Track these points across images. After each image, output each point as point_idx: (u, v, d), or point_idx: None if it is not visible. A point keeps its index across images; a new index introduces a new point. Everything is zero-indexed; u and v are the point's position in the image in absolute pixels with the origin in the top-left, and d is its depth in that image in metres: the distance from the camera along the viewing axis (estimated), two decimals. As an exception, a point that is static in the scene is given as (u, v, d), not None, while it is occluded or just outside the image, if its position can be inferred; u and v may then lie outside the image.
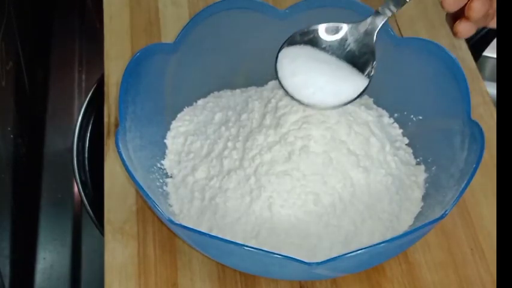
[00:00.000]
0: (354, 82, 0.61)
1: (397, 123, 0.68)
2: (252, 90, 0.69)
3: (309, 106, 0.60)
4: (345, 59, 0.61)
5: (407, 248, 0.60)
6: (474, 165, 0.56)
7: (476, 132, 0.58)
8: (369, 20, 0.61)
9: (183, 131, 0.67)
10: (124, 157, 0.57)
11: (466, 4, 0.60)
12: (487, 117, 0.69)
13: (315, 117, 0.60)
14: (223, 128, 0.64)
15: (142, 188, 0.55)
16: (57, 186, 0.89)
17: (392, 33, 0.65)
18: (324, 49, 0.62)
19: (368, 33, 0.61)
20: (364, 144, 0.61)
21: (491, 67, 0.83)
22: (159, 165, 0.64)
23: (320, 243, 0.58)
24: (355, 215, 0.59)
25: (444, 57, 0.63)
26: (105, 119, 0.70)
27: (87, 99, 0.86)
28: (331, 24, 0.62)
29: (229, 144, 0.62)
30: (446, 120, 0.63)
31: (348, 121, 0.61)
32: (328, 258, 0.52)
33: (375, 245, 0.52)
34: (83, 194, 0.79)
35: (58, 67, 1.01)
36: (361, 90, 0.60)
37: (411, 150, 0.66)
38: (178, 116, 0.68)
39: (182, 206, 0.62)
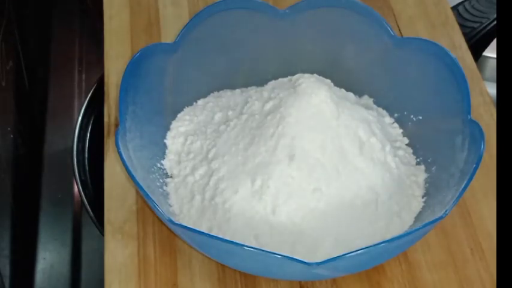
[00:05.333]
0: None
1: (397, 123, 0.68)
2: (252, 90, 0.69)
3: None
4: None
5: (407, 248, 0.60)
6: (474, 165, 0.56)
7: (476, 132, 0.58)
8: None
9: (183, 131, 0.67)
10: (124, 157, 0.57)
11: None
12: (487, 117, 0.69)
13: (315, 118, 0.60)
14: (223, 128, 0.65)
15: (142, 188, 0.55)
16: (57, 186, 0.89)
17: (392, 33, 0.65)
18: None
19: None
20: (364, 144, 0.61)
21: (491, 67, 0.83)
22: (159, 165, 0.64)
23: (320, 243, 0.58)
24: (355, 215, 0.59)
25: (444, 57, 0.63)
26: (105, 119, 0.70)
27: (87, 99, 0.86)
28: None
29: (230, 144, 0.62)
30: (446, 120, 0.63)
31: (348, 121, 0.61)
32: (328, 258, 0.52)
33: (375, 245, 0.52)
34: (83, 194, 0.79)
35: (58, 67, 1.01)
36: None
37: (411, 150, 0.66)
38: (178, 116, 0.68)
39: (182, 206, 0.62)
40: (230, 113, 0.67)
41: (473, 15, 0.85)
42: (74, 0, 1.07)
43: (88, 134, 0.84)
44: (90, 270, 0.82)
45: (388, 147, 0.63)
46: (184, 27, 0.65)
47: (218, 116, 0.67)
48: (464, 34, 0.77)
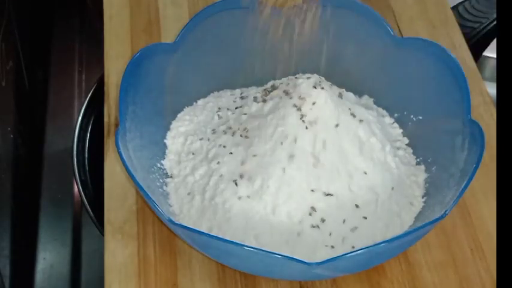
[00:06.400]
0: None
1: (397, 123, 0.68)
2: (252, 90, 0.69)
3: None
4: None
5: (407, 248, 0.60)
6: (474, 165, 0.56)
7: (476, 132, 0.58)
8: None
9: (183, 131, 0.67)
10: (124, 157, 0.57)
11: None
12: (487, 117, 0.69)
13: (315, 118, 0.60)
14: (223, 128, 0.65)
15: (142, 188, 0.55)
16: (57, 186, 0.89)
17: (392, 33, 0.65)
18: None
19: None
20: (364, 145, 0.61)
21: (491, 67, 0.83)
22: (159, 165, 0.64)
23: (320, 243, 0.58)
24: (355, 215, 0.59)
25: (444, 57, 0.63)
26: (105, 119, 0.70)
27: (87, 99, 0.86)
28: None
29: (230, 144, 0.62)
30: (446, 120, 0.63)
31: (348, 121, 0.61)
32: (328, 258, 0.52)
33: (375, 245, 0.52)
34: (83, 194, 0.79)
35: (58, 67, 1.01)
36: None
37: (411, 150, 0.66)
38: (178, 116, 0.68)
39: (182, 206, 0.62)
40: (230, 113, 0.67)
41: (473, 15, 0.85)
42: (74, 0, 1.07)
43: (88, 134, 0.84)
44: (90, 270, 0.82)
45: (388, 147, 0.63)
46: (184, 27, 0.65)
47: (218, 116, 0.67)
48: (464, 34, 0.77)
